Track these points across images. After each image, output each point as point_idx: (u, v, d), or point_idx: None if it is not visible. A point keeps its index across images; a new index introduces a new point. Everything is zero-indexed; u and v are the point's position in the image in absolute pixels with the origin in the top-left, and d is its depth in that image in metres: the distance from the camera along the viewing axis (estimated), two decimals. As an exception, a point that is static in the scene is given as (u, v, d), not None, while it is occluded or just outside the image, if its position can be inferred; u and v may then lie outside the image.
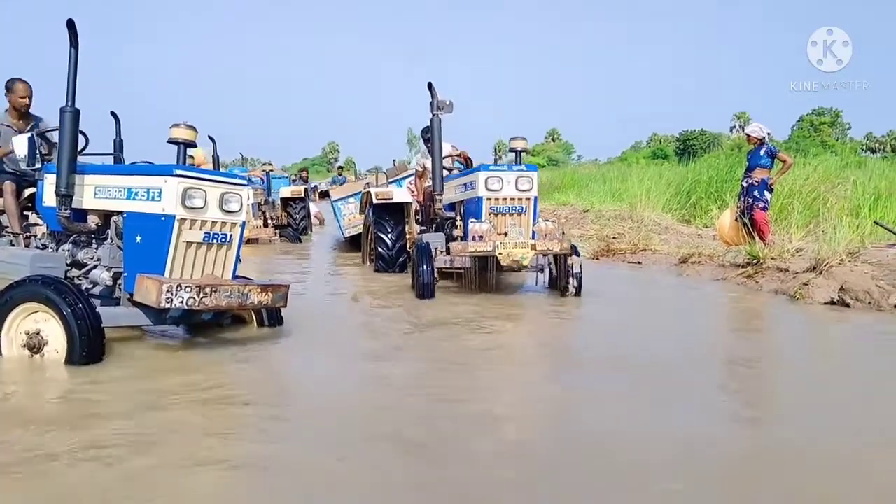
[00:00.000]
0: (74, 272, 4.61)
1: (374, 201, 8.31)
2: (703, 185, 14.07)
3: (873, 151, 63.01)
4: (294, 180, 19.98)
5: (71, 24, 4.23)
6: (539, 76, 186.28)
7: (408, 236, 8.29)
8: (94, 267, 4.55)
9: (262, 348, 4.43)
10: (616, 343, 4.70)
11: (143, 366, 3.94)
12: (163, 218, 4.13)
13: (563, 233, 6.46)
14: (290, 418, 3.11)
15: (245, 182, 4.63)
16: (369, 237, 8.91)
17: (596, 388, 3.59)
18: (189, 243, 4.22)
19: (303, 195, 15.03)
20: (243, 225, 4.53)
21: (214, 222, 4.31)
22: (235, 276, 4.55)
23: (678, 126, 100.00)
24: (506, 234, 6.40)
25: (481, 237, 6.15)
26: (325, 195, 20.15)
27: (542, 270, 6.92)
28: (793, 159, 9.01)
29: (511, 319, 5.55)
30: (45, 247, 4.87)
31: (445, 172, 7.41)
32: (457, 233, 6.91)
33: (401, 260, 8.18)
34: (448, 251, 6.75)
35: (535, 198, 6.57)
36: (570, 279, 6.41)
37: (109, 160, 6.28)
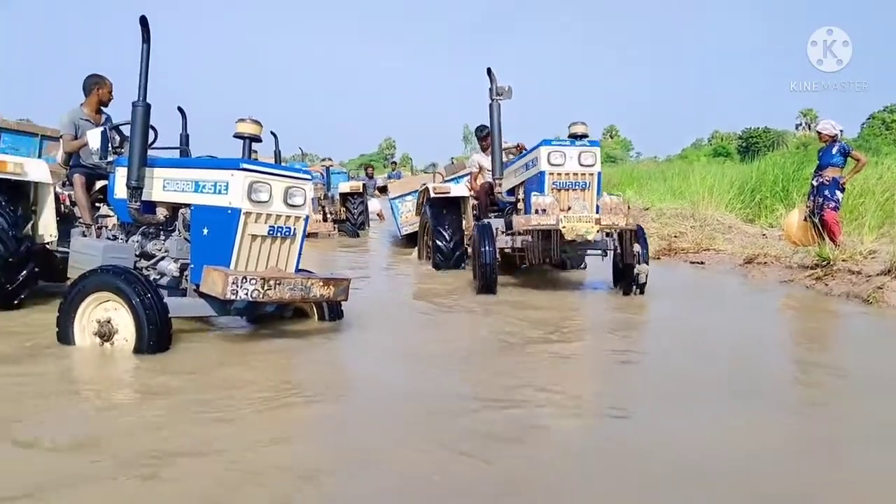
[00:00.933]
0: (143, 263, 4.73)
1: (432, 195, 8.29)
2: (769, 183, 13.65)
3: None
4: (354, 176, 20.19)
5: (143, 21, 4.32)
6: (597, 72, 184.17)
7: (465, 231, 8.25)
8: (162, 258, 4.67)
9: (324, 344, 4.46)
10: (690, 354, 4.42)
11: (208, 357, 4.03)
12: (229, 211, 4.20)
13: (629, 208, 6.24)
14: (354, 420, 3.09)
15: (309, 177, 4.68)
16: (426, 233, 8.93)
17: (672, 405, 3.42)
18: (254, 236, 4.29)
19: (361, 191, 15.14)
20: (307, 219, 4.58)
21: (279, 216, 4.37)
22: (298, 270, 4.60)
23: (741, 123, 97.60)
24: (569, 209, 6.22)
25: (544, 210, 5.99)
26: (383, 190, 20.22)
27: (605, 254, 6.73)
28: (867, 158, 8.65)
29: (573, 325, 5.39)
30: (115, 238, 5.01)
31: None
32: (519, 206, 6.69)
33: (457, 254, 8.13)
34: (509, 228, 6.62)
35: (599, 173, 6.42)
36: (635, 288, 6.27)
37: (176, 154, 6.43)
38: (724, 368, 4.05)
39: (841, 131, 7.95)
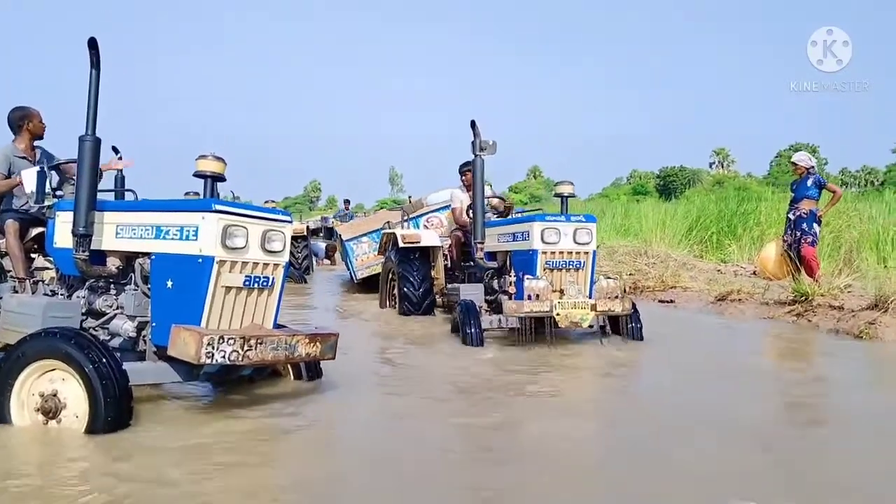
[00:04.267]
0: (91, 322, 4.07)
1: (401, 244, 7.71)
2: (714, 220, 13.76)
3: (848, 186, 63.77)
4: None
5: (93, 44, 3.76)
6: (519, 112, 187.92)
7: (434, 280, 7.71)
8: (114, 316, 4.02)
9: (305, 412, 3.81)
10: (704, 404, 4.06)
11: (176, 435, 3.33)
12: (199, 260, 3.61)
13: (625, 291, 5.90)
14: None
15: (289, 219, 4.11)
16: (389, 280, 8.32)
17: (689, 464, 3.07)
18: (228, 288, 3.70)
19: (305, 234, 14.45)
20: (287, 266, 4.02)
21: (256, 264, 3.80)
22: (276, 325, 4.02)
23: (657, 163, 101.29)
24: (562, 291, 5.81)
25: (538, 296, 5.57)
26: (315, 233, 19.52)
27: (603, 330, 6.26)
28: (842, 190, 8.59)
29: (567, 380, 4.95)
30: (54, 293, 4.33)
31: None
32: (510, 289, 6.03)
33: (427, 302, 7.59)
34: (491, 307, 6.30)
35: (595, 252, 6.02)
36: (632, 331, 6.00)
37: (111, 196, 5.87)
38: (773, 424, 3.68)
39: (815, 164, 7.90)
